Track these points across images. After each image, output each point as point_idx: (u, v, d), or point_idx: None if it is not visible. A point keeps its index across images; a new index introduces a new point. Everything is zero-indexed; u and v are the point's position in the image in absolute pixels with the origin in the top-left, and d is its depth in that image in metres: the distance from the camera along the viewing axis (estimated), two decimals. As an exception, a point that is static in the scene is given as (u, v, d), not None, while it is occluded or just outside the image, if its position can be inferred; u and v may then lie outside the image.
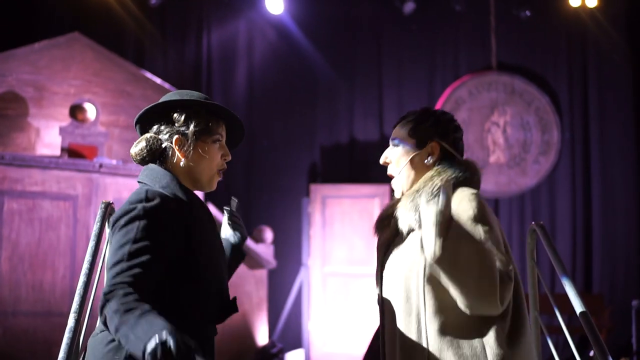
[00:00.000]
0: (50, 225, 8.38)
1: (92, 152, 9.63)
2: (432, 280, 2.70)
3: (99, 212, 3.64)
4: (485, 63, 11.61)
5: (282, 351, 9.88)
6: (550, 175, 11.39)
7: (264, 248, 9.77)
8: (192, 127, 2.83)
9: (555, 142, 11.38)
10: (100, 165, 8.72)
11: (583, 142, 11.46)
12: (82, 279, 3.27)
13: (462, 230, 2.66)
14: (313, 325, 10.11)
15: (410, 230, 2.82)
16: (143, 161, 2.87)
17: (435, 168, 2.89)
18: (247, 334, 9.44)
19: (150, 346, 2.13)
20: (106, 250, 3.93)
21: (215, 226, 2.87)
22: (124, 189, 8.69)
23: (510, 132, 11.45)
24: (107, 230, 3.86)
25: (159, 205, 2.65)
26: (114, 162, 9.10)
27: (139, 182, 2.84)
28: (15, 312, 8.10)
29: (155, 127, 2.89)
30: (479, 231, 2.65)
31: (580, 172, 11.39)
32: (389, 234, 2.93)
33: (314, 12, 11.56)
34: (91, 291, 3.42)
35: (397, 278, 2.79)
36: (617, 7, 11.38)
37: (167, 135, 2.85)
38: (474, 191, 2.76)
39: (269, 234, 9.93)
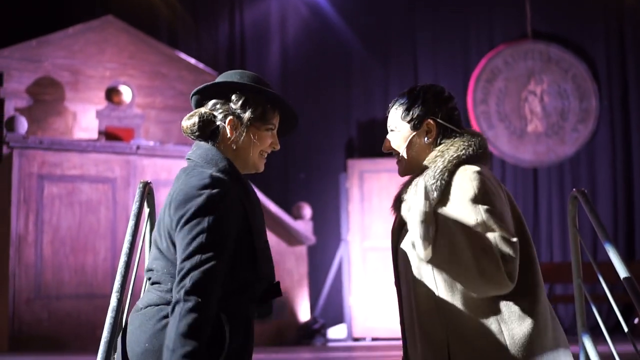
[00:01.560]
0: (90, 208, 8.45)
1: (129, 134, 9.68)
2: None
3: (137, 192, 3.65)
4: (520, 32, 11.49)
5: (324, 327, 9.90)
6: (589, 143, 11.27)
7: (303, 225, 9.78)
8: (248, 112, 2.83)
9: (593, 109, 11.25)
10: (138, 147, 8.77)
11: (622, 109, 11.32)
12: (122, 258, 3.28)
13: (457, 214, 2.67)
14: (354, 300, 10.11)
15: None
16: (192, 135, 2.84)
17: (437, 148, 2.86)
18: (289, 311, 9.47)
19: None
20: (146, 230, 3.95)
21: (262, 210, 2.88)
22: (161, 170, 8.73)
23: (547, 100, 11.34)
24: (146, 209, 3.87)
25: (226, 194, 2.65)
26: (151, 143, 9.15)
27: (188, 159, 2.82)
28: (59, 296, 8.19)
29: (211, 104, 2.86)
30: (479, 212, 2.63)
31: (619, 139, 11.26)
32: (401, 218, 2.91)
33: (346, -13, 11.52)
34: (132, 270, 3.43)
35: (410, 263, 2.79)
36: (653, -30, 11.20)
37: (222, 115, 2.83)
38: (476, 169, 2.72)
39: (307, 211, 9.93)
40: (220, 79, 2.90)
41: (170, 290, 2.65)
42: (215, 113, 2.84)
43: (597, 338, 3.87)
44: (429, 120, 2.90)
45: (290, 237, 9.65)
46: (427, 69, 11.52)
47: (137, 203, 3.58)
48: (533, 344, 2.63)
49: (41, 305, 8.10)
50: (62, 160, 8.39)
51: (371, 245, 10.15)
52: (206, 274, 2.53)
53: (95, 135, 9.60)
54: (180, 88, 10.33)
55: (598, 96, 11.27)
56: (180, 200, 2.64)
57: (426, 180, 2.76)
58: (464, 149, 2.81)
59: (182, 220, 2.61)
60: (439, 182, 2.75)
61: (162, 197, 8.38)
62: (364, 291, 10.10)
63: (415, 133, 2.92)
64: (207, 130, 2.82)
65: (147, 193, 3.76)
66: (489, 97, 11.31)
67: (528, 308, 2.66)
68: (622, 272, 3.10)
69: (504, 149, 11.14)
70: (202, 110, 2.85)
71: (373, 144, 11.36)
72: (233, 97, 2.84)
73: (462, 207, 2.67)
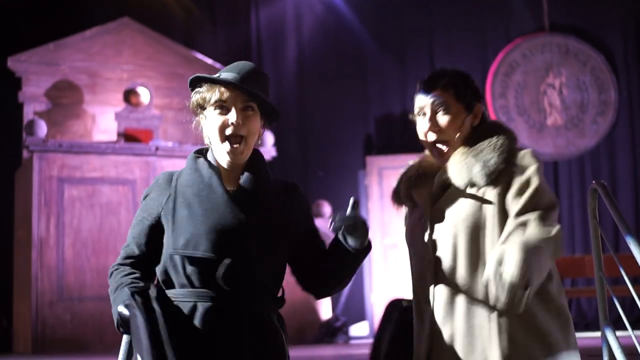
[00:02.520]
0: (111, 209, 8.48)
1: (147, 135, 9.70)
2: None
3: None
4: (537, 25, 11.43)
5: (346, 324, 9.90)
6: (609, 135, 11.20)
7: (323, 222, 9.77)
8: (197, 96, 2.81)
9: (612, 101, 11.19)
10: (157, 148, 8.80)
11: (641, 100, 11.26)
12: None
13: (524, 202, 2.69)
14: (375, 297, 10.11)
15: (470, 185, 2.77)
16: None
17: (471, 137, 2.85)
18: (310, 309, 9.47)
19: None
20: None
21: (209, 186, 2.75)
22: (180, 171, 8.75)
23: (566, 93, 11.28)
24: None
25: (164, 176, 2.82)
26: (169, 144, 9.17)
27: None
28: (82, 298, 8.23)
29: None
30: (543, 197, 2.68)
31: (639, 130, 11.19)
32: (433, 189, 2.88)
33: (361, -16, 11.51)
34: (152, 271, 3.43)
35: (459, 232, 2.75)
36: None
37: (193, 112, 2.89)
38: (536, 157, 2.76)
39: (327, 208, 9.94)
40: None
41: None
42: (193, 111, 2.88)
43: (620, 331, 3.85)
44: (479, 104, 2.89)
45: (310, 235, 9.64)
46: (443, 63, 11.39)
47: (156, 204, 3.58)
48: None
49: (64, 307, 8.14)
50: (81, 163, 8.43)
51: (392, 242, 10.14)
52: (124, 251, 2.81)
53: (114, 137, 9.63)
54: (197, 88, 10.36)
55: (617, 88, 11.20)
56: None
57: (483, 161, 2.77)
58: (512, 136, 2.84)
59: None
60: (502, 165, 2.76)
61: (181, 197, 8.40)
62: (385, 288, 10.09)
63: (467, 115, 2.87)
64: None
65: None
66: (507, 91, 11.27)
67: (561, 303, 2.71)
68: (644, 264, 3.08)
69: (523, 142, 11.09)
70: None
71: (391, 140, 11.34)
72: (192, 91, 2.85)
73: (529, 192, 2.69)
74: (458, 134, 2.85)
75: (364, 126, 11.58)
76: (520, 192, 2.70)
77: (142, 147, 8.87)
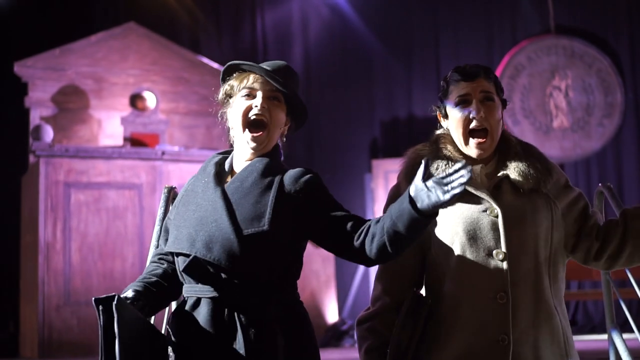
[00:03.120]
0: (117, 214, 8.49)
1: (153, 140, 9.72)
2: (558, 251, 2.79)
3: (162, 197, 3.66)
4: (543, 27, 11.42)
5: (352, 328, 9.88)
6: (616, 137, 11.19)
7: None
8: (225, 84, 2.83)
9: (618, 103, 11.17)
10: (163, 153, 8.80)
11: (647, 102, 11.24)
12: (148, 263, 3.29)
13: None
14: (382, 300, 10.09)
15: (534, 189, 2.82)
16: None
17: (514, 141, 2.94)
18: (317, 312, 9.46)
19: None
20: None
21: (205, 182, 2.75)
22: (187, 175, 8.75)
23: (572, 95, 11.27)
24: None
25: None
26: (175, 148, 9.18)
27: None
28: (88, 302, 8.22)
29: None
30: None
31: (646, 132, 11.18)
32: (490, 184, 2.84)
33: (367, -13, 11.53)
34: (158, 276, 3.43)
35: (540, 234, 2.77)
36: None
37: (222, 102, 2.87)
38: None
39: (333, 212, 9.92)
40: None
41: None
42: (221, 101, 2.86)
43: (627, 334, 3.84)
44: (503, 98, 2.93)
45: (317, 239, 9.64)
46: (449, 67, 11.29)
47: (162, 208, 3.59)
48: None
49: (71, 311, 8.15)
50: (88, 168, 8.44)
51: (398, 245, 10.13)
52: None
53: (120, 142, 9.65)
54: (203, 93, 10.36)
55: (623, 90, 11.18)
56: None
57: (534, 163, 2.86)
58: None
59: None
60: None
61: (187, 201, 8.40)
62: (392, 291, 10.08)
63: (501, 109, 2.89)
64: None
65: (172, 198, 3.77)
66: (513, 93, 11.25)
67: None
68: (651, 267, 3.08)
69: (529, 145, 11.08)
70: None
71: (397, 144, 11.33)
72: (222, 80, 2.87)
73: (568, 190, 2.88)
74: (497, 126, 2.83)
75: (370, 129, 11.58)
76: (567, 195, 2.90)
77: (149, 152, 8.88)
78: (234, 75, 2.80)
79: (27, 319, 8.66)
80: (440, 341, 2.74)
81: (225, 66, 2.82)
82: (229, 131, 2.82)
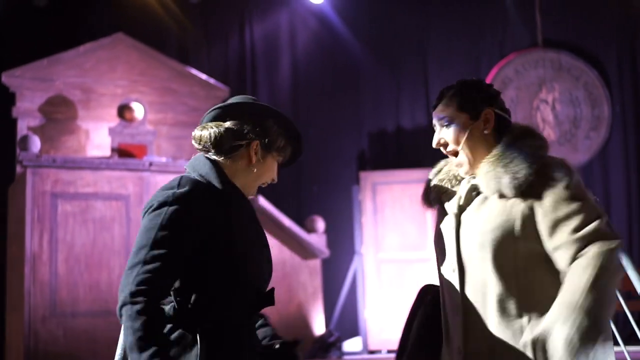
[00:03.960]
0: (104, 225, 8.47)
1: (141, 151, 9.71)
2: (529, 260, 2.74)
3: (149, 209, 3.66)
4: (530, 40, 11.47)
5: (340, 340, 9.88)
6: (602, 150, 11.22)
7: (316, 238, 9.78)
8: (277, 141, 2.89)
9: (605, 116, 11.21)
10: (150, 164, 8.79)
11: (635, 115, 11.26)
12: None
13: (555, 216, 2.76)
14: (369, 312, 10.10)
15: (499, 196, 2.79)
16: (202, 145, 2.86)
17: (504, 140, 2.86)
18: (304, 324, 9.46)
19: None
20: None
21: (258, 223, 2.87)
22: (174, 186, 8.74)
23: (559, 108, 11.31)
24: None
25: (189, 192, 2.65)
26: (163, 159, 9.17)
27: (185, 170, 2.85)
28: (74, 313, 8.21)
29: (235, 123, 2.86)
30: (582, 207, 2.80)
31: (633, 145, 11.20)
32: (462, 197, 2.88)
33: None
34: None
35: (486, 243, 2.76)
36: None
37: (246, 135, 2.85)
38: (571, 164, 2.84)
39: (320, 224, 9.93)
40: (235, 100, 2.94)
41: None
42: (243, 132, 2.84)
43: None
44: (487, 109, 2.88)
45: (304, 251, 9.65)
46: (437, 79, 11.50)
47: (149, 220, 3.58)
48: None
49: (57, 322, 8.12)
50: (75, 178, 8.42)
51: (385, 257, 10.14)
52: (152, 273, 2.51)
53: (108, 153, 9.63)
54: (191, 104, 10.37)
55: (610, 103, 11.23)
56: (148, 202, 2.65)
57: (514, 169, 2.76)
58: (543, 142, 2.87)
59: (144, 216, 2.62)
60: (531, 175, 2.76)
61: (175, 213, 8.38)
62: (379, 303, 10.08)
63: (474, 123, 2.87)
64: (225, 145, 2.83)
65: (159, 210, 3.76)
66: (500, 106, 11.29)
67: None
68: (636, 280, 3.09)
69: (516, 158, 11.08)
70: (222, 127, 2.85)
71: (385, 155, 11.36)
72: (268, 123, 2.87)
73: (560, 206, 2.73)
74: (467, 145, 2.86)
75: (357, 141, 11.59)
76: (555, 209, 2.71)
77: (136, 163, 8.87)
78: (275, 127, 2.91)
79: (13, 330, 8.62)
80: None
81: (282, 118, 2.93)
82: (244, 152, 2.88)
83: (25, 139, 8.60)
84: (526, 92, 11.36)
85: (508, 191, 2.75)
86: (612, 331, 3.63)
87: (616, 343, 3.61)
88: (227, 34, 11.58)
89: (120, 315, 2.49)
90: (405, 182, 10.23)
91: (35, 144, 8.59)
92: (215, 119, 2.89)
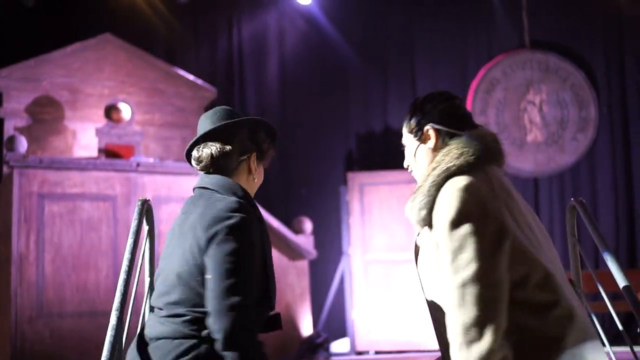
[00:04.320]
0: (91, 226, 8.45)
1: (128, 151, 9.69)
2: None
3: (136, 210, 3.66)
4: (518, 42, 11.50)
5: (327, 341, 9.88)
6: (589, 151, 11.26)
7: (304, 239, 9.77)
8: (268, 150, 3.13)
9: (592, 118, 11.25)
10: (138, 164, 8.77)
11: (621, 116, 11.30)
12: (122, 276, 3.28)
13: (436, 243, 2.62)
14: (357, 313, 10.10)
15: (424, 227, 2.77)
16: (201, 164, 3.01)
17: (436, 158, 2.77)
18: (291, 325, 9.45)
19: None
20: (145, 247, 3.94)
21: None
22: (161, 187, 8.73)
23: (546, 110, 11.34)
24: (145, 227, 3.87)
25: (252, 218, 2.80)
26: (151, 160, 9.15)
27: (202, 187, 2.96)
28: (61, 314, 8.18)
29: (238, 140, 3.02)
30: (453, 240, 2.51)
31: (619, 147, 11.24)
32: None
33: (343, 0, 11.55)
34: (132, 288, 3.43)
35: (421, 277, 2.81)
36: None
37: (247, 150, 3.04)
38: (461, 184, 2.57)
39: (308, 225, 9.93)
40: (206, 118, 3.08)
41: (191, 322, 2.71)
42: (245, 148, 3.03)
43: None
44: (426, 127, 2.86)
45: (292, 252, 9.64)
46: (425, 80, 11.53)
47: (136, 221, 3.59)
48: None
49: (43, 323, 8.09)
50: (62, 179, 8.39)
51: (373, 258, 10.14)
52: (247, 298, 2.67)
53: (95, 153, 9.61)
54: (178, 104, 10.35)
55: (597, 104, 11.27)
56: (210, 222, 2.72)
57: (416, 197, 2.70)
58: (456, 157, 2.68)
59: (215, 240, 2.70)
60: (426, 198, 2.67)
61: (162, 214, 8.39)
62: (367, 304, 10.09)
63: (419, 144, 2.90)
64: (232, 164, 2.99)
65: (146, 210, 3.77)
66: (488, 107, 11.32)
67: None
68: (621, 281, 3.10)
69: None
70: (231, 144, 3.00)
71: (372, 156, 11.37)
72: (260, 135, 3.09)
73: (439, 238, 2.57)
74: (414, 166, 2.92)
75: (345, 142, 11.60)
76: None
77: (124, 163, 8.85)
78: (267, 139, 3.15)
79: (0, 331, 8.59)
80: None
81: (268, 126, 3.18)
82: (244, 165, 3.06)
83: (12, 139, 8.57)
84: (514, 94, 11.39)
85: (418, 227, 2.77)
86: (599, 332, 3.65)
87: (603, 344, 3.63)
88: (215, 34, 11.57)
89: (227, 344, 2.63)
90: (393, 183, 10.24)
91: (22, 144, 8.56)
92: (212, 138, 3.01)
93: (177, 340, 2.70)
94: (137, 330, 3.10)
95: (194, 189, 3.04)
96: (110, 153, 9.58)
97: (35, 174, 8.28)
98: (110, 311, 3.14)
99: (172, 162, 9.16)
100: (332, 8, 11.51)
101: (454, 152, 2.70)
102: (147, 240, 3.97)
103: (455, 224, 2.51)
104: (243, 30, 11.57)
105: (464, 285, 2.44)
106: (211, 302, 2.65)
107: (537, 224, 2.78)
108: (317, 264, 10.30)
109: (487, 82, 11.34)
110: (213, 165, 2.98)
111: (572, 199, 3.72)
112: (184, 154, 3.17)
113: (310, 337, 9.61)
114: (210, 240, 2.69)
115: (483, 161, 2.72)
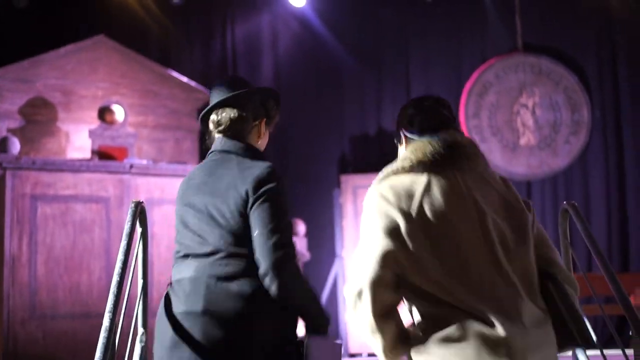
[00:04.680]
0: (84, 227, 8.44)
1: (122, 153, 9.67)
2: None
3: (130, 212, 3.66)
4: (511, 45, 11.51)
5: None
6: (582, 155, 11.28)
7: (298, 241, 9.78)
8: (275, 116, 3.41)
9: (585, 121, 11.27)
10: (131, 166, 8.77)
11: (614, 119, 11.33)
12: (115, 278, 3.29)
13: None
14: (349, 316, 10.09)
15: None
16: (221, 128, 3.27)
17: None
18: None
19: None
20: (138, 249, 3.94)
21: None
22: (155, 189, 8.73)
23: (539, 113, 11.36)
24: (138, 229, 3.87)
25: (284, 181, 3.17)
26: (144, 162, 9.14)
27: (225, 151, 3.22)
28: (54, 315, 8.17)
29: (252, 107, 3.29)
30: (362, 232, 2.88)
31: (612, 150, 11.27)
32: None
33: (337, 2, 11.54)
34: (125, 290, 3.43)
35: None
36: (643, -19, 11.25)
37: (256, 114, 3.31)
38: (375, 186, 2.89)
39: (301, 227, 9.93)
40: (222, 85, 3.33)
41: (252, 261, 3.03)
42: (257, 114, 3.32)
43: (591, 351, 3.87)
44: (401, 132, 3.03)
45: (285, 254, 9.63)
46: (419, 83, 11.53)
47: (129, 222, 3.58)
48: None
49: (36, 325, 8.08)
50: (55, 181, 8.38)
51: (366, 260, 10.13)
52: (292, 250, 3.12)
53: (88, 155, 9.59)
54: (172, 106, 10.33)
55: (590, 107, 11.29)
56: (258, 182, 3.05)
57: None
58: (397, 161, 2.91)
59: (263, 198, 3.03)
60: None
61: (155, 215, 8.38)
62: (359, 306, 10.08)
63: (400, 147, 3.08)
64: (247, 129, 3.28)
65: (140, 212, 3.77)
66: (480, 111, 11.33)
67: None
68: (613, 284, 3.11)
69: (497, 162, 11.13)
70: (246, 110, 3.28)
71: (366, 159, 11.37)
72: (270, 102, 3.36)
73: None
74: None
75: (339, 144, 11.59)
76: None
77: (117, 165, 8.84)
78: (274, 106, 3.40)
79: (-8, 333, 8.58)
80: None
81: (276, 94, 3.42)
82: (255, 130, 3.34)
83: (5, 140, 8.56)
84: (506, 97, 11.40)
85: None
86: (591, 335, 3.66)
87: (595, 347, 3.64)
88: (209, 35, 11.56)
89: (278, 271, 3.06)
90: (386, 185, 10.23)
91: (15, 145, 8.55)
92: (229, 104, 3.27)
93: (250, 277, 3.06)
94: (129, 332, 3.10)
95: (211, 152, 3.28)
96: (103, 155, 9.57)
97: (28, 176, 8.27)
98: (103, 313, 3.14)
99: (165, 164, 9.15)
100: (326, 9, 11.51)
101: (399, 157, 2.96)
102: (141, 242, 3.98)
103: (363, 220, 2.93)
104: (237, 32, 11.56)
105: None
106: (259, 246, 3.01)
107: (501, 226, 2.86)
108: (310, 266, 10.31)
109: (480, 85, 11.36)
110: (230, 129, 3.25)
111: (564, 202, 3.73)
112: (199, 117, 3.41)
113: (302, 339, 9.59)
114: (257, 198, 3.01)
115: (422, 167, 2.84)
